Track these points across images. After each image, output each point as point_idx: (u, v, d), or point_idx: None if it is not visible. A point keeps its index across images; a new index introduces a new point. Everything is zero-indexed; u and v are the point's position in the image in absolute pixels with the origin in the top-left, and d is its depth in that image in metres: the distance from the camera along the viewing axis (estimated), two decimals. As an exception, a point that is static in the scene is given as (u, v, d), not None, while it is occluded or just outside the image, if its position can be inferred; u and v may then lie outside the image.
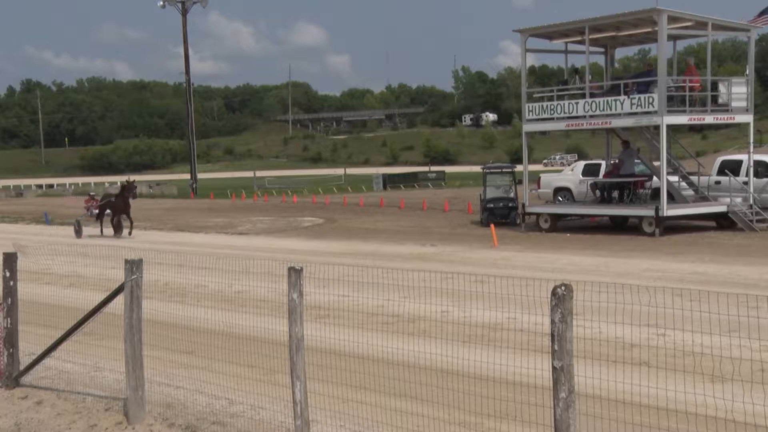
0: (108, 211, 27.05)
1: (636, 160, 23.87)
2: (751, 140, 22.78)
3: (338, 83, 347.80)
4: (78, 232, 26.76)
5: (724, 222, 22.10)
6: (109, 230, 26.80)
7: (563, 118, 23.42)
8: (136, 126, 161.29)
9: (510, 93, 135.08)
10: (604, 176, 24.46)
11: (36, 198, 66.99)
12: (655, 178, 22.77)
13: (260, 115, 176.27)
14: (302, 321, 5.78)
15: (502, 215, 25.33)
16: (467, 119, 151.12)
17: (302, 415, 5.78)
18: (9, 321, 8.11)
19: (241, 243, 23.18)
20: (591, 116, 22.69)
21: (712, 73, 23.07)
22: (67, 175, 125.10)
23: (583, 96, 23.08)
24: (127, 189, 26.59)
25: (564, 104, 23.29)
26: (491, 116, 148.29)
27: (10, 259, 8.13)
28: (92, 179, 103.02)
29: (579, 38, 24.27)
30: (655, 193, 22.46)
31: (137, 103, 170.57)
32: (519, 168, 27.17)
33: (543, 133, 41.98)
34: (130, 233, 26.10)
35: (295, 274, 5.79)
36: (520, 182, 25.92)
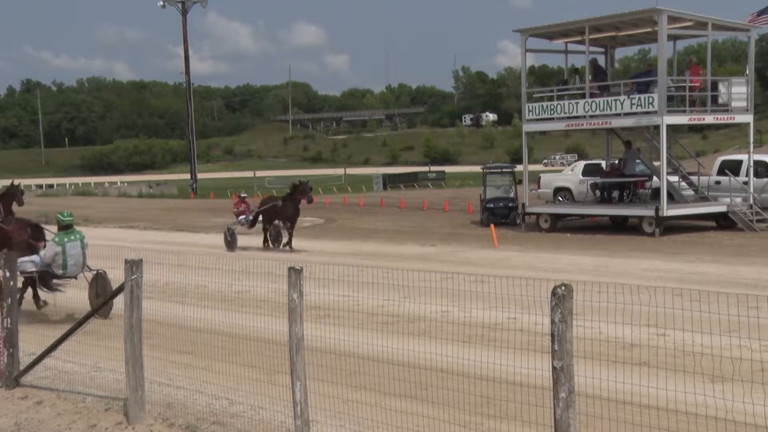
0: (258, 217, 21.71)
1: (637, 160, 23.89)
2: (751, 140, 22.78)
3: (338, 83, 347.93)
4: (231, 244, 21.21)
5: (724, 222, 22.10)
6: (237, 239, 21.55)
7: (563, 118, 23.42)
8: (136, 126, 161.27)
9: (510, 93, 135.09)
10: (604, 176, 24.46)
11: (36, 198, 66.99)
12: (655, 178, 22.77)
13: (260, 115, 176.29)
14: (302, 321, 5.78)
15: (502, 215, 25.33)
16: (467, 119, 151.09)
17: (302, 415, 5.78)
18: (9, 321, 8.11)
19: (241, 243, 23.15)
20: (591, 116, 22.70)
21: (712, 73, 23.07)
22: (67, 175, 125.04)
23: (583, 96, 23.08)
24: (301, 190, 21.07)
25: (564, 104, 23.29)
26: (491, 116, 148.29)
27: (10, 259, 8.14)
28: (92, 179, 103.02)
29: (579, 38, 24.28)
30: (655, 193, 22.46)
31: (137, 103, 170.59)
32: (519, 168, 27.17)
33: (543, 133, 42.02)
34: (289, 245, 20.61)
35: (295, 274, 5.79)
36: (520, 182, 25.92)
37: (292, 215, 20.78)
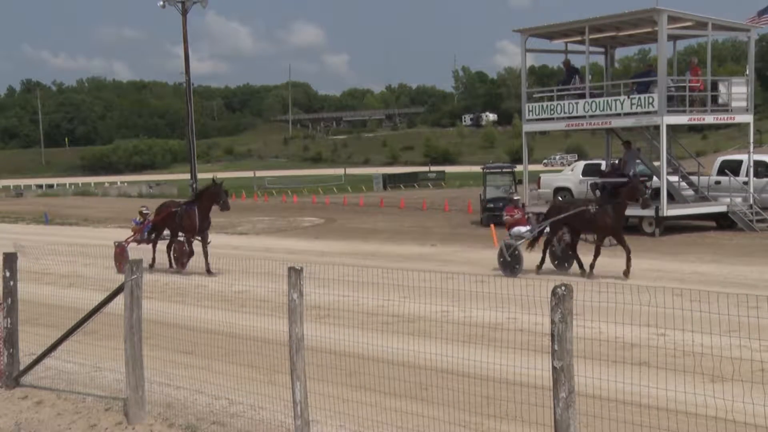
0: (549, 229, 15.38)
1: (636, 161, 23.87)
2: (751, 140, 22.79)
3: (338, 83, 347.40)
4: (511, 267, 14.98)
5: (724, 222, 22.09)
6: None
7: (563, 118, 23.43)
8: (136, 126, 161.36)
9: (510, 93, 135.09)
10: (603, 176, 24.44)
11: (36, 198, 66.99)
12: (655, 178, 22.77)
13: (260, 115, 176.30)
14: (302, 321, 5.78)
15: (502, 215, 25.31)
16: (467, 119, 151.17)
17: (302, 415, 5.78)
18: (9, 321, 8.11)
19: (241, 243, 23.16)
20: (591, 116, 22.70)
21: (712, 73, 23.08)
22: (67, 175, 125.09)
23: (583, 96, 23.08)
24: (632, 188, 14.94)
25: (564, 104, 23.30)
26: (491, 116, 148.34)
27: (10, 259, 8.13)
28: (92, 179, 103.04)
29: (579, 38, 24.28)
30: (655, 193, 22.45)
31: (137, 103, 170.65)
32: (519, 168, 27.17)
33: (543, 133, 42.01)
34: (588, 268, 14.61)
35: (295, 274, 5.79)
36: (520, 182, 25.92)
37: (612, 226, 14.66)
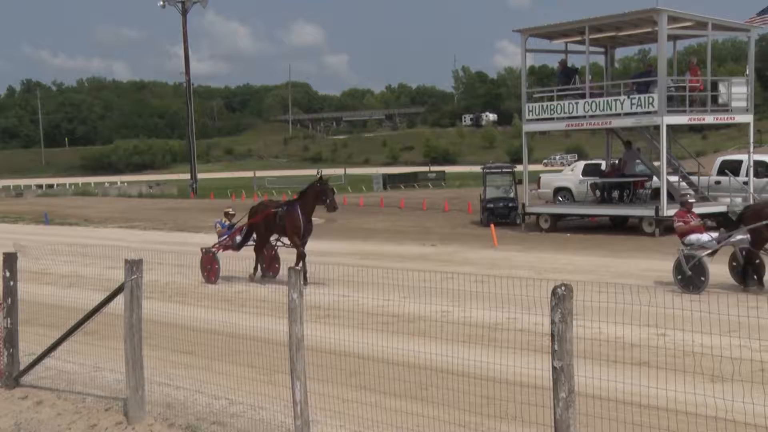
0: None
1: (636, 161, 23.89)
2: (751, 140, 22.79)
3: (338, 83, 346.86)
4: (693, 282, 11.92)
5: (724, 222, 22.07)
6: None
7: (563, 118, 23.42)
8: (136, 126, 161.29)
9: (510, 93, 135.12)
10: (604, 176, 24.46)
11: (36, 198, 66.99)
12: (655, 178, 22.77)
13: (260, 115, 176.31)
14: (302, 321, 5.79)
15: (502, 215, 25.34)
16: (467, 119, 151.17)
17: (302, 415, 5.79)
18: (9, 321, 8.11)
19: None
20: (591, 116, 22.70)
21: (712, 73, 23.07)
22: (67, 175, 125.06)
23: (583, 96, 23.08)
24: None
25: (564, 104, 23.29)
26: (491, 116, 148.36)
27: (10, 259, 8.14)
28: (92, 179, 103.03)
29: (579, 38, 24.28)
30: (655, 193, 22.46)
31: (137, 103, 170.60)
32: (519, 168, 27.18)
33: (543, 133, 42.03)
34: None
35: (294, 274, 5.80)
36: (520, 182, 25.93)
37: None
